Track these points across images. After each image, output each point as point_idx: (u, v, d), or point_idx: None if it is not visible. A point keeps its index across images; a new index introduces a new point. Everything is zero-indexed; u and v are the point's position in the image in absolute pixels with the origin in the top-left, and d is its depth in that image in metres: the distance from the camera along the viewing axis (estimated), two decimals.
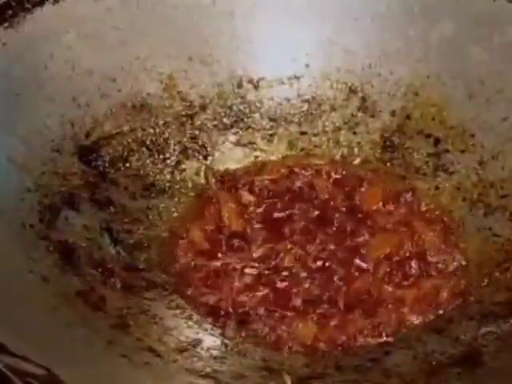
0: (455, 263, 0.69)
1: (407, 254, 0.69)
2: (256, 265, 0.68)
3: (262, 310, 0.65)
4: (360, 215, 0.73)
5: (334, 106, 0.79)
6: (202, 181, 0.76)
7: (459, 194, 0.73)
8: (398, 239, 0.70)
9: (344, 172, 0.77)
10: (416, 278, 0.68)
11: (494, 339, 0.59)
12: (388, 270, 0.68)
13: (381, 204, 0.74)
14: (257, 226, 0.72)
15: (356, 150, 0.78)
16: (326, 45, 0.78)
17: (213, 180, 0.76)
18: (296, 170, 0.77)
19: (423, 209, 0.74)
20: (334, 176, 0.77)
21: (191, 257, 0.70)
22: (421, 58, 0.76)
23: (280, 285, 0.67)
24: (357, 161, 0.78)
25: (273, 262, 0.68)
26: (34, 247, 0.61)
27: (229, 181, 0.76)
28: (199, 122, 0.78)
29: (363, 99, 0.78)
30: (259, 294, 0.66)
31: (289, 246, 0.69)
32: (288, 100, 0.79)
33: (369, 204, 0.74)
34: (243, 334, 0.63)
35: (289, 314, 0.65)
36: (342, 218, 0.72)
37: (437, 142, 0.76)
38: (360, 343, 0.63)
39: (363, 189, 0.75)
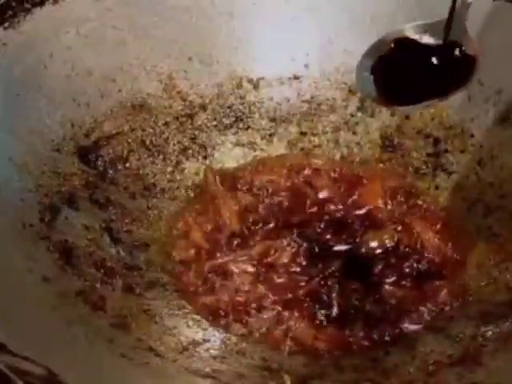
0: (454, 263, 0.69)
1: (406, 253, 0.69)
2: (254, 263, 0.68)
3: (261, 310, 0.65)
4: (359, 213, 0.73)
5: (333, 106, 0.79)
6: (202, 181, 0.76)
7: (458, 193, 0.73)
8: (396, 238, 0.70)
9: (343, 171, 0.77)
10: (415, 278, 0.68)
11: (494, 339, 0.59)
12: (386, 268, 0.68)
13: (380, 202, 0.74)
14: (256, 224, 0.72)
15: (355, 150, 0.79)
16: (325, 45, 0.78)
17: (212, 180, 0.76)
18: (295, 169, 0.77)
19: (423, 208, 0.74)
20: (333, 175, 0.77)
21: (191, 256, 0.70)
22: None
23: (278, 282, 0.67)
24: (356, 161, 0.78)
25: (270, 260, 0.69)
26: (34, 247, 0.61)
27: (228, 180, 0.76)
28: (199, 122, 0.78)
29: (362, 99, 0.78)
30: (258, 292, 0.66)
31: (286, 244, 0.70)
32: (288, 100, 0.79)
33: (368, 202, 0.74)
34: (243, 334, 0.63)
35: (288, 313, 0.65)
36: (341, 216, 0.73)
37: (436, 142, 0.76)
38: (360, 343, 0.63)
39: (362, 187, 0.75)
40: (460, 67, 0.63)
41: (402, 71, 0.64)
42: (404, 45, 0.65)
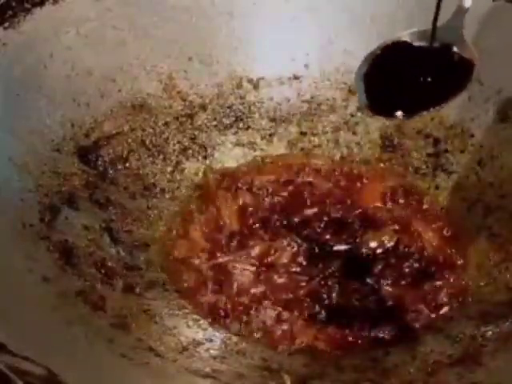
0: (454, 263, 0.69)
1: (405, 253, 0.69)
2: (254, 262, 0.68)
3: (261, 309, 0.65)
4: (359, 213, 0.73)
5: (333, 106, 0.79)
6: (202, 181, 0.76)
7: (458, 193, 0.73)
8: (396, 238, 0.70)
9: (343, 170, 0.77)
10: (415, 278, 0.68)
11: (494, 339, 0.59)
12: (386, 268, 0.68)
13: (380, 202, 0.74)
14: (255, 224, 0.72)
15: (355, 150, 0.79)
16: (325, 45, 0.78)
17: (212, 180, 0.76)
18: (295, 169, 0.77)
19: (423, 208, 0.74)
20: (333, 174, 0.77)
21: (191, 256, 0.70)
22: None
23: (278, 282, 0.67)
24: (356, 161, 0.78)
25: (270, 260, 0.69)
26: (34, 247, 0.61)
27: (228, 180, 0.76)
28: (199, 122, 0.78)
29: None
30: (258, 292, 0.66)
31: (286, 244, 0.70)
32: (288, 100, 0.79)
33: (368, 201, 0.74)
34: (243, 334, 0.63)
35: (288, 313, 0.65)
36: (340, 215, 0.73)
37: (436, 142, 0.76)
38: (360, 343, 0.63)
39: (362, 186, 0.75)
40: (456, 73, 0.62)
41: (395, 78, 0.62)
42: (396, 50, 0.64)
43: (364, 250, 0.70)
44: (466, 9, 0.62)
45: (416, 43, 0.63)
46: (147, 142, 0.75)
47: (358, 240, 0.71)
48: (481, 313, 0.63)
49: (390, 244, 0.70)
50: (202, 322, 0.64)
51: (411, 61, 0.63)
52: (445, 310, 0.65)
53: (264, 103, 0.79)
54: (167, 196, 0.74)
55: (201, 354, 0.60)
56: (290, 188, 0.76)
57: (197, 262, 0.69)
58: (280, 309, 0.65)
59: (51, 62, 0.70)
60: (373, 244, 0.70)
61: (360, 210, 0.73)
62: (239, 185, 0.76)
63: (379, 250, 0.70)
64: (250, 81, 0.79)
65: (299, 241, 0.70)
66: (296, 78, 0.79)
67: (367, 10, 0.77)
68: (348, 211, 0.73)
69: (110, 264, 0.65)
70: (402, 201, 0.74)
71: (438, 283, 0.67)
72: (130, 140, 0.74)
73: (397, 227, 0.72)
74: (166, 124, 0.76)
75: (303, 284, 0.67)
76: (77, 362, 0.52)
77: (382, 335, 0.63)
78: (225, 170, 0.77)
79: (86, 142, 0.71)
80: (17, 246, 0.60)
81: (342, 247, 0.70)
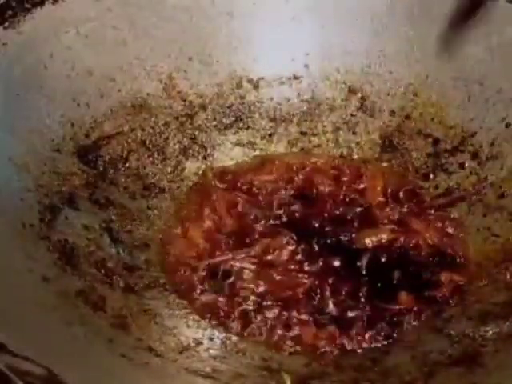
0: (454, 263, 0.69)
1: (404, 252, 0.69)
2: (254, 261, 0.68)
3: (261, 309, 0.65)
4: (358, 211, 0.73)
5: (333, 106, 0.79)
6: (202, 180, 0.76)
7: (458, 193, 0.73)
8: (395, 236, 0.70)
9: (343, 169, 0.77)
10: (415, 277, 0.68)
11: (494, 339, 0.59)
12: (385, 267, 0.68)
13: (380, 200, 0.74)
14: (255, 223, 0.72)
15: (355, 149, 0.79)
16: (325, 45, 0.78)
17: (212, 179, 0.76)
18: (295, 168, 0.77)
19: (422, 208, 0.74)
20: (333, 173, 0.77)
21: (190, 256, 0.70)
22: (420, 58, 0.77)
23: (278, 281, 0.67)
24: (356, 161, 0.78)
25: (270, 258, 0.69)
26: (34, 247, 0.61)
27: (228, 180, 0.76)
28: (199, 122, 0.78)
29: (362, 99, 0.79)
30: (258, 291, 0.66)
31: (285, 242, 0.70)
32: (288, 100, 0.79)
33: (368, 200, 0.74)
34: (242, 333, 0.63)
35: (288, 312, 0.65)
36: (340, 213, 0.73)
37: (436, 141, 0.76)
38: (360, 343, 0.63)
39: (362, 185, 0.75)
40: None
41: None
42: None
43: (363, 248, 0.70)
44: None
45: None
46: (147, 142, 0.75)
47: (357, 238, 0.71)
48: (481, 313, 0.62)
49: (389, 243, 0.70)
50: (201, 322, 0.64)
51: None
52: (445, 309, 0.65)
53: (264, 103, 0.79)
54: (167, 196, 0.74)
55: (201, 354, 0.60)
56: (290, 187, 0.76)
57: (196, 261, 0.69)
58: (280, 308, 0.65)
59: (51, 61, 0.70)
60: (372, 242, 0.70)
61: (360, 208, 0.73)
62: (239, 184, 0.76)
63: (378, 249, 0.70)
64: (249, 81, 0.79)
65: (298, 239, 0.70)
66: (296, 78, 0.79)
67: (367, 9, 0.77)
68: (347, 209, 0.73)
69: (109, 264, 0.65)
70: (401, 200, 0.74)
71: (438, 283, 0.67)
72: (129, 140, 0.74)
73: (396, 226, 0.72)
74: (166, 124, 0.76)
75: (302, 282, 0.67)
76: (77, 362, 0.52)
77: (381, 335, 0.63)
78: (225, 169, 0.77)
79: (86, 142, 0.71)
80: (17, 246, 0.60)
81: (342, 245, 0.70)
